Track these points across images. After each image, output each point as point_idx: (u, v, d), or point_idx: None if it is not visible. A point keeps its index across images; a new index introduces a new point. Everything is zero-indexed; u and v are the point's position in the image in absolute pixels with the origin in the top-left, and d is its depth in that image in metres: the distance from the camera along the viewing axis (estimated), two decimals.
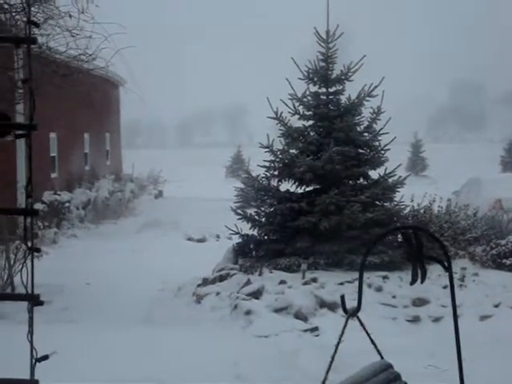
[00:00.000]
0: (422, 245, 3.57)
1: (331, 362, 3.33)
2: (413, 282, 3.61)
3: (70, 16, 11.57)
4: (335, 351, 3.31)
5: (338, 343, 3.33)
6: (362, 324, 3.43)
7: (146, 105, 16.19)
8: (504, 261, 11.94)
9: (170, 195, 32.90)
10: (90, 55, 12.40)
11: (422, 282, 3.61)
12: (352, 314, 3.40)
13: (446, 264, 3.68)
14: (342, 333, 3.32)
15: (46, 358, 2.73)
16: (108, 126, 30.12)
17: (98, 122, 27.31)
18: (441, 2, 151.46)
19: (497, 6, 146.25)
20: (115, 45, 12.54)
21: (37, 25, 2.97)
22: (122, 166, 32.90)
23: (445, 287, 10.62)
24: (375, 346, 3.48)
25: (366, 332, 3.43)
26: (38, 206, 18.27)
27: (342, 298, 3.56)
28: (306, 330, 9.67)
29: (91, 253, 16.47)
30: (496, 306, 10.38)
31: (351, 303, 3.56)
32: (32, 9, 11.11)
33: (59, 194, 21.12)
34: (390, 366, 3.30)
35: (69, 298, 11.82)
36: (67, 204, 21.15)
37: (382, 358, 3.45)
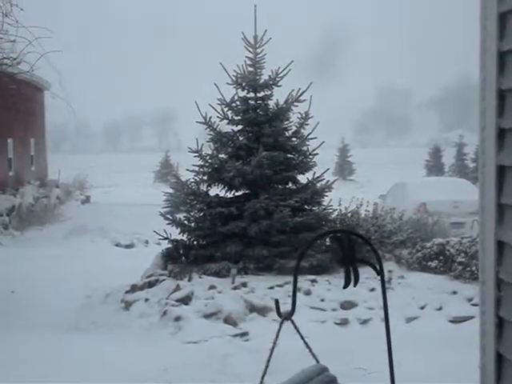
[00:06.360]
0: (354, 248, 3.59)
1: (266, 366, 3.30)
2: (346, 285, 3.61)
3: None
4: (270, 355, 3.28)
5: (273, 347, 3.31)
6: (296, 327, 3.41)
7: (72, 110, 15.93)
8: (429, 263, 12.20)
9: (98, 201, 32.44)
10: (14, 59, 12.14)
11: (354, 285, 3.62)
12: (286, 317, 3.38)
13: (377, 268, 3.71)
14: (277, 336, 3.30)
15: None
16: (33, 130, 29.51)
17: (23, 126, 26.72)
18: (365, 5, 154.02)
19: (426, 11, 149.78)
20: (41, 49, 12.30)
21: None
22: (48, 172, 32.24)
23: (372, 290, 10.78)
24: (310, 350, 3.47)
25: (301, 336, 3.42)
26: None
27: (277, 301, 3.53)
28: (235, 335, 9.65)
29: (16, 260, 16.07)
30: (422, 307, 10.57)
31: (282, 307, 3.56)
32: None
33: None
34: (325, 370, 3.31)
35: None
36: None
37: (317, 361, 3.44)
